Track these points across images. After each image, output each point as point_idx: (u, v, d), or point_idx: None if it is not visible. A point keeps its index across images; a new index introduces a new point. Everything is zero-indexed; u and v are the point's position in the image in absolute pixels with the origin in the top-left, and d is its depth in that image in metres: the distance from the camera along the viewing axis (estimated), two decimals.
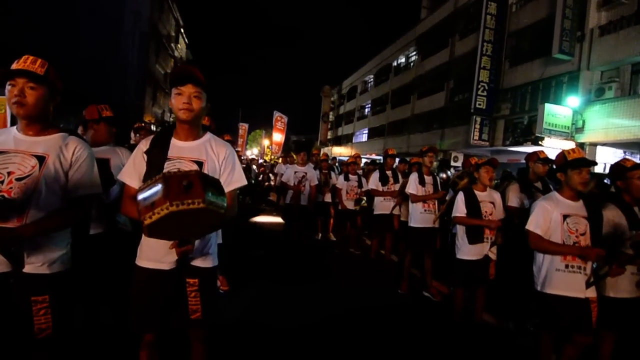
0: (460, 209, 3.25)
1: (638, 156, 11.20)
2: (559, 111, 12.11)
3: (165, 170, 1.54)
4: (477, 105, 15.21)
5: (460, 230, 3.30)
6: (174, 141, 1.69)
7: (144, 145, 1.69)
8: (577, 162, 2.28)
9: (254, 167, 13.43)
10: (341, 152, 33.51)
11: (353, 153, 7.55)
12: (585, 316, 2.22)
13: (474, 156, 4.73)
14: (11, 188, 1.47)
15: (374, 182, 5.40)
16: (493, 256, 3.25)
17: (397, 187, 5.31)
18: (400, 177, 5.46)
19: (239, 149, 24.29)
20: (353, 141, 33.40)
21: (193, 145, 1.70)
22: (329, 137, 40.32)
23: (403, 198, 5.00)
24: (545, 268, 2.30)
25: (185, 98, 1.61)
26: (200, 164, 1.67)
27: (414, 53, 23.45)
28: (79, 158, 1.62)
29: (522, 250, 2.63)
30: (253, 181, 11.90)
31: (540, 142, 11.82)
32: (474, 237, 3.20)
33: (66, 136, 1.64)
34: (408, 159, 6.22)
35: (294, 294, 3.93)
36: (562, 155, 2.37)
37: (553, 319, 2.29)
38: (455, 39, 18.60)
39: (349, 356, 2.79)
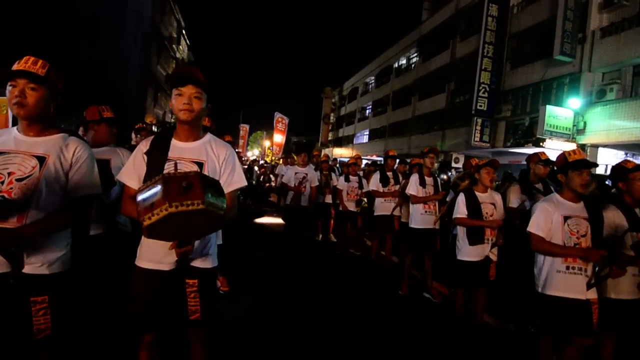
0: (461, 210, 3.24)
1: (639, 157, 11.18)
2: (560, 113, 12.10)
3: (165, 171, 1.55)
4: (478, 107, 15.20)
5: (461, 231, 3.29)
6: (174, 142, 1.69)
7: (144, 145, 1.69)
8: (578, 164, 2.27)
9: (256, 168, 13.40)
10: (342, 153, 33.52)
11: (354, 154, 7.55)
12: (586, 318, 2.21)
13: (474, 157, 4.73)
14: (11, 188, 1.47)
15: (374, 183, 5.40)
16: (494, 257, 3.24)
17: (397, 188, 5.31)
18: (400, 178, 5.46)
19: (240, 150, 24.33)
20: (354, 142, 33.41)
21: (193, 146, 1.70)
22: (329, 138, 40.34)
23: (404, 199, 4.99)
24: (546, 269, 2.30)
25: (186, 99, 1.61)
26: (200, 164, 1.67)
27: (415, 54, 23.47)
28: (79, 159, 1.63)
29: (522, 251, 2.63)
30: (254, 182, 11.89)
31: (541, 144, 11.80)
32: (475, 238, 3.19)
33: (66, 137, 1.65)
34: (408, 160, 6.22)
35: (294, 295, 3.92)
36: (563, 156, 2.37)
37: (554, 320, 2.28)
38: (456, 40, 18.61)
39: (350, 357, 2.79)
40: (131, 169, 1.67)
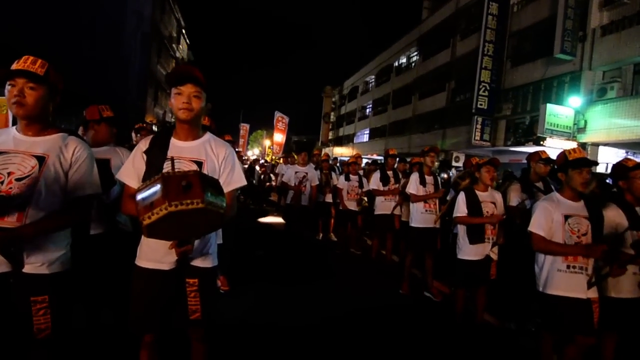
0: (461, 208, 3.24)
1: None
2: (561, 111, 12.08)
3: (164, 170, 1.54)
4: (479, 106, 15.19)
5: (461, 230, 3.29)
6: (174, 141, 1.69)
7: (143, 145, 1.69)
8: (578, 162, 2.27)
9: (257, 168, 13.37)
10: (342, 152, 33.52)
11: (354, 153, 7.54)
12: (587, 317, 2.21)
13: (475, 156, 4.73)
14: (11, 188, 1.47)
15: (375, 182, 5.39)
16: (494, 256, 3.23)
17: (398, 187, 5.30)
18: (401, 177, 5.45)
19: (240, 149, 24.33)
20: (354, 141, 33.40)
21: (193, 145, 1.70)
22: (330, 137, 40.34)
23: (404, 198, 4.99)
24: (547, 269, 2.29)
25: (185, 98, 1.60)
26: (199, 164, 1.66)
27: (415, 53, 23.44)
28: (79, 158, 1.62)
29: (523, 250, 2.62)
30: (255, 182, 11.88)
31: (542, 142, 11.79)
32: (475, 237, 3.19)
33: (66, 136, 1.64)
34: (409, 159, 6.22)
35: (294, 294, 3.92)
36: (563, 155, 2.36)
37: (555, 319, 2.28)
38: (456, 39, 18.59)
39: (350, 357, 2.79)
40: (130, 168, 1.67)
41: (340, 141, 37.73)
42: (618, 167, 2.53)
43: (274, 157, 21.72)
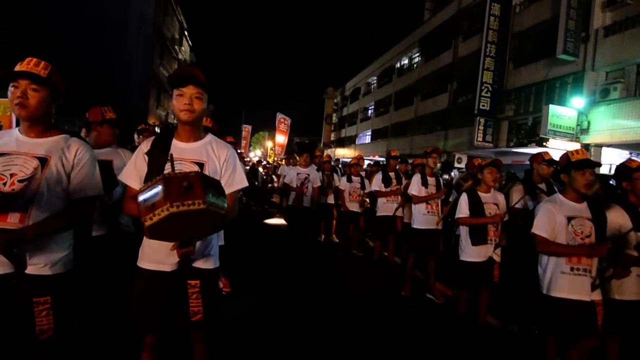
0: (463, 210, 3.23)
1: None
2: (564, 112, 12.03)
3: (165, 172, 1.55)
4: (481, 107, 15.16)
5: (464, 231, 3.28)
6: (175, 142, 1.69)
7: (145, 146, 1.70)
8: (581, 164, 2.26)
9: (261, 169, 13.35)
10: (344, 153, 33.50)
11: (356, 155, 7.54)
12: (591, 319, 2.19)
13: (477, 157, 4.70)
14: (13, 189, 1.48)
15: (377, 183, 5.38)
16: (497, 258, 3.22)
17: (400, 188, 5.29)
18: (403, 178, 5.44)
19: (242, 150, 24.36)
20: (356, 143, 33.39)
21: (194, 146, 1.70)
22: (332, 138, 40.33)
23: (406, 200, 4.98)
24: (550, 271, 2.28)
25: (187, 99, 1.61)
26: (201, 165, 1.67)
27: (417, 54, 23.43)
28: (81, 160, 1.63)
29: (526, 252, 2.61)
30: (258, 184, 11.87)
31: (544, 144, 11.74)
32: (477, 238, 3.17)
33: (68, 138, 1.65)
34: (411, 160, 6.20)
35: (296, 296, 3.92)
36: (566, 156, 2.35)
37: (558, 321, 2.26)
38: (458, 40, 18.56)
39: (352, 358, 2.78)
40: (132, 170, 1.68)
41: (342, 142, 37.73)
42: (621, 168, 2.51)
43: (275, 159, 21.74)
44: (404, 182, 5.28)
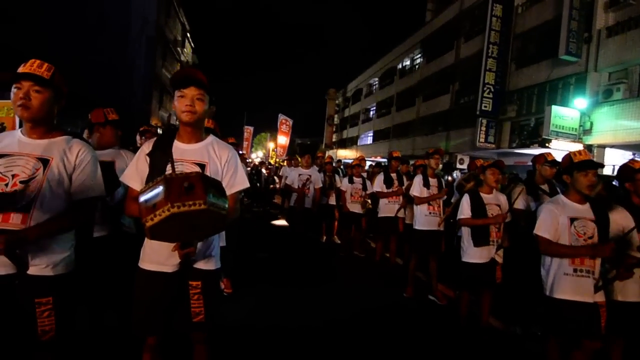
0: (465, 211, 3.22)
1: None
2: (566, 113, 11.99)
3: (167, 173, 1.55)
4: (483, 108, 15.13)
5: (466, 232, 3.26)
6: (177, 143, 1.70)
7: (147, 147, 1.70)
8: (583, 164, 2.24)
9: (264, 170, 13.34)
10: (346, 154, 33.50)
11: (358, 156, 7.54)
12: (594, 321, 2.18)
13: (479, 158, 4.69)
14: (15, 190, 1.48)
15: (378, 184, 5.38)
16: (499, 259, 3.20)
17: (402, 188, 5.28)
18: (405, 179, 5.44)
19: (244, 152, 24.38)
20: (358, 144, 33.39)
21: (196, 147, 1.71)
22: (334, 139, 40.34)
23: (408, 201, 4.97)
24: (553, 272, 2.26)
25: (188, 100, 1.61)
26: (202, 166, 1.67)
27: (419, 55, 23.42)
28: (83, 161, 1.64)
29: (528, 253, 2.60)
30: (262, 185, 11.88)
31: (547, 145, 11.70)
32: (480, 239, 3.16)
33: (70, 139, 1.66)
34: (412, 161, 6.20)
35: (298, 297, 3.91)
36: (568, 157, 2.34)
37: (561, 323, 2.25)
38: (460, 41, 18.54)
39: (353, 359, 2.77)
40: (134, 171, 1.68)
41: (344, 143, 37.73)
42: (624, 169, 2.50)
43: (277, 160, 21.74)
44: (406, 183, 5.27)
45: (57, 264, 1.57)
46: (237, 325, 2.99)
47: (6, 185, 1.48)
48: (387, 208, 5.25)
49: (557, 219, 2.25)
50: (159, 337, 1.71)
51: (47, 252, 1.54)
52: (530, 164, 3.65)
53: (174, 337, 1.77)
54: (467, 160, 15.49)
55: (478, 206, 3.19)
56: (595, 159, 2.38)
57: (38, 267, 1.52)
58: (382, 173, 5.55)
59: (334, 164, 7.59)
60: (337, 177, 6.90)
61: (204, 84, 1.63)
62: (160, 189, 1.27)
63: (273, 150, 31.82)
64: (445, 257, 4.19)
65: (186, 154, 1.67)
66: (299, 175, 5.60)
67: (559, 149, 10.96)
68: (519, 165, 13.48)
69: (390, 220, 5.19)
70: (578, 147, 11.02)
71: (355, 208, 6.04)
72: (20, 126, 1.67)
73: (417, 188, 4.16)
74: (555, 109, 11.95)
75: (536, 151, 10.32)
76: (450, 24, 19.49)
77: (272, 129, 37.60)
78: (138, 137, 4.35)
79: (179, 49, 26.64)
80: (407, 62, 25.14)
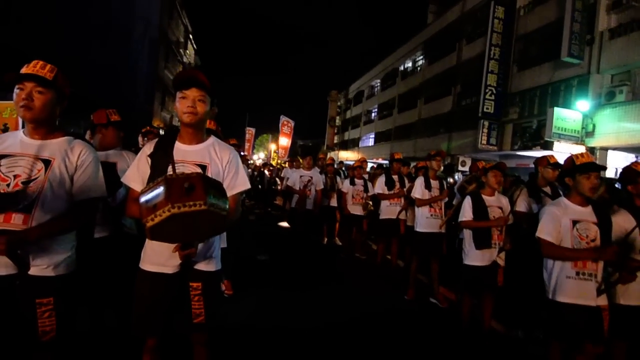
0: (467, 213, 3.21)
1: None
2: (569, 115, 11.95)
3: (167, 173, 1.55)
4: (485, 110, 15.10)
5: (467, 235, 3.25)
6: (178, 144, 1.70)
7: (148, 148, 1.70)
8: (586, 167, 2.23)
9: (267, 172, 13.31)
10: (348, 156, 33.50)
11: (359, 157, 7.53)
12: (597, 325, 2.16)
13: (481, 160, 4.68)
14: (17, 191, 1.48)
15: (380, 186, 5.37)
16: (501, 262, 3.18)
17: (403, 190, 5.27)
18: (406, 181, 5.43)
19: (246, 153, 24.42)
20: (360, 145, 33.38)
21: (197, 148, 1.71)
22: (335, 141, 40.35)
23: (409, 203, 4.96)
24: (556, 275, 2.25)
25: (190, 102, 1.62)
26: (203, 167, 1.67)
27: (421, 57, 23.42)
28: (84, 162, 1.64)
29: (531, 256, 2.58)
30: (260, 187, 11.87)
31: (549, 147, 11.67)
32: (481, 242, 3.15)
33: (72, 140, 1.66)
34: (414, 163, 6.18)
35: (299, 299, 3.90)
36: (571, 159, 2.33)
37: (563, 327, 2.24)
38: (462, 43, 18.54)
39: None
40: (135, 172, 1.68)
41: (345, 145, 37.73)
42: (627, 171, 2.49)
43: (279, 161, 21.76)
44: (407, 185, 5.26)
45: (58, 264, 1.57)
46: (238, 327, 2.99)
47: (8, 185, 1.48)
48: (389, 210, 5.23)
49: (560, 221, 2.24)
50: (159, 338, 1.71)
51: (48, 252, 1.55)
52: (533, 166, 3.64)
53: (174, 338, 1.77)
54: (468, 162, 15.46)
55: (480, 208, 3.17)
56: (597, 162, 2.37)
57: (39, 267, 1.53)
58: (383, 175, 5.54)
59: (335, 166, 7.59)
60: (338, 178, 6.90)
61: (205, 85, 1.63)
62: (160, 189, 1.27)
63: (275, 152, 31.85)
64: (446, 260, 4.17)
65: (187, 155, 1.68)
66: (301, 176, 5.60)
67: (561, 151, 10.92)
68: (521, 168, 13.45)
69: (392, 223, 5.18)
70: (580, 149, 11.00)
71: (356, 210, 6.03)
72: (23, 127, 1.67)
73: (418, 190, 4.15)
74: (558, 111, 11.91)
75: (538, 153, 10.31)
76: (452, 26, 19.50)
77: (273, 130, 37.69)
78: (140, 138, 4.37)
79: (181, 50, 26.75)
80: (409, 64, 25.15)
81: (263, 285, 4.25)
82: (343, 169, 9.96)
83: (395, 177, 5.40)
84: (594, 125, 11.78)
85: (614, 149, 11.48)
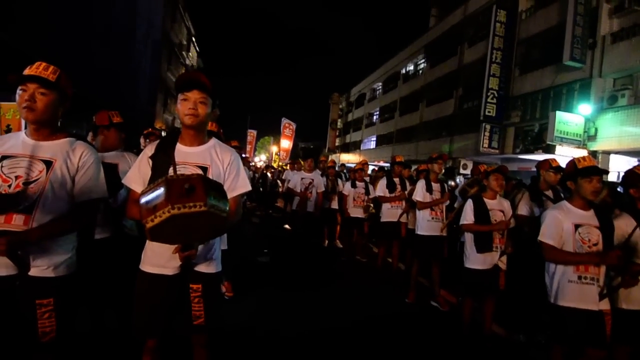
0: (468, 216, 3.20)
1: None
2: (571, 119, 11.95)
3: (168, 175, 1.55)
4: (487, 113, 15.10)
5: (469, 238, 3.24)
6: (179, 146, 1.70)
7: (149, 150, 1.71)
8: (588, 171, 2.23)
9: (269, 174, 13.30)
10: (349, 159, 33.51)
11: (361, 160, 7.54)
12: (599, 329, 2.15)
13: (483, 164, 4.67)
14: (18, 192, 1.49)
15: (381, 189, 5.37)
16: (503, 266, 3.17)
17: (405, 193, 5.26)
18: (407, 184, 5.42)
19: (248, 155, 24.44)
20: (361, 148, 33.39)
21: (198, 150, 1.71)
22: (337, 144, 40.39)
23: (410, 205, 4.95)
24: (558, 279, 2.24)
25: (191, 104, 1.62)
26: (204, 169, 1.67)
27: (423, 61, 23.46)
28: (86, 163, 1.64)
29: (532, 259, 2.57)
30: (262, 189, 11.86)
31: (551, 150, 11.65)
32: (482, 245, 3.14)
33: (73, 141, 1.67)
34: (415, 166, 6.18)
35: (299, 301, 3.89)
36: (573, 163, 2.32)
37: (565, 331, 2.22)
38: (464, 46, 18.57)
39: None
40: (136, 173, 1.69)
41: (347, 148, 37.75)
42: (629, 175, 2.48)
43: (280, 164, 21.77)
44: (409, 187, 5.26)
45: (58, 265, 1.57)
46: (238, 329, 2.98)
47: (9, 186, 1.49)
48: (390, 213, 5.23)
49: (562, 225, 2.23)
50: (158, 340, 1.71)
51: (49, 253, 1.55)
52: (534, 169, 3.63)
53: (174, 340, 1.77)
54: (470, 165, 15.45)
55: (481, 212, 3.17)
56: (599, 165, 2.36)
57: (39, 268, 1.53)
58: (384, 177, 5.53)
59: (336, 168, 7.59)
60: (339, 181, 6.90)
61: (207, 87, 1.64)
62: (161, 190, 1.27)
63: (276, 154, 31.88)
64: (447, 263, 4.16)
65: (188, 157, 1.68)
66: (302, 179, 5.60)
67: (563, 155, 10.91)
68: (523, 171, 13.44)
69: (393, 225, 5.17)
70: (582, 153, 10.97)
71: (357, 212, 6.02)
72: (26, 128, 1.68)
73: (420, 193, 4.14)
74: (560, 115, 11.91)
75: (540, 157, 10.27)
76: (454, 29, 19.53)
77: (275, 132, 37.75)
78: (142, 140, 4.38)
79: (184, 52, 26.86)
80: (411, 67, 25.19)
81: (263, 287, 4.24)
82: (344, 171, 9.95)
83: (396, 179, 5.39)
84: (596, 129, 11.76)
85: (616, 152, 11.46)
